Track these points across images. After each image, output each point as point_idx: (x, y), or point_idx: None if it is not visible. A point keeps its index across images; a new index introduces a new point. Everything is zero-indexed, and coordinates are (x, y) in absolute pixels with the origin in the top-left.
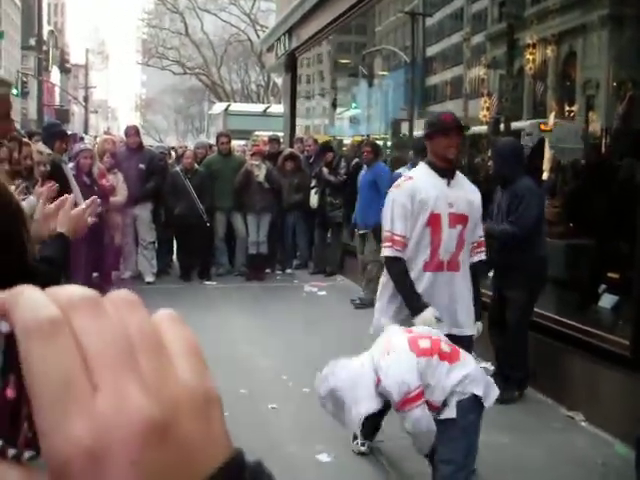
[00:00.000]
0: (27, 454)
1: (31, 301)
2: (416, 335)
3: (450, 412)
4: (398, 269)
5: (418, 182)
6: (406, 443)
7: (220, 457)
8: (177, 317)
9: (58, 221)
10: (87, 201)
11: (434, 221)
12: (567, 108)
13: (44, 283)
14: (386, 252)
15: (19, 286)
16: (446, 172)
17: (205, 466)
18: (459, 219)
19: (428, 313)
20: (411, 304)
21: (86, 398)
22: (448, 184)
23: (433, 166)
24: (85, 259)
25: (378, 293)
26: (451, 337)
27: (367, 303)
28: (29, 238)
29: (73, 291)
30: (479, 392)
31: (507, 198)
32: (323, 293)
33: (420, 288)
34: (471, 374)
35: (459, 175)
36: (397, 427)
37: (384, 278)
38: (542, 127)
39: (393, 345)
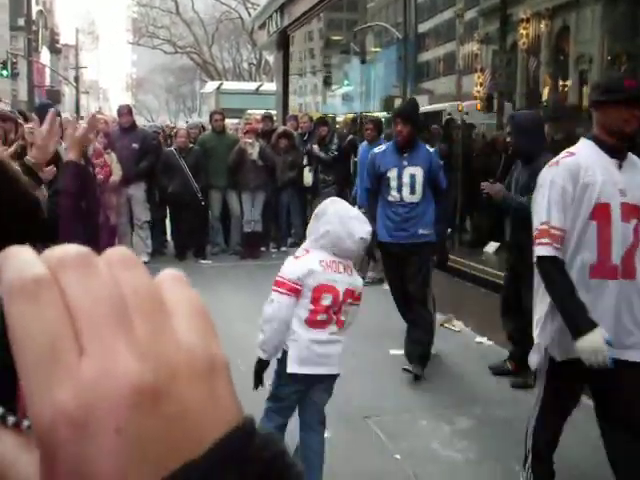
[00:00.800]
0: (26, 422)
1: (18, 261)
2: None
3: None
4: (558, 274)
5: (582, 160)
6: (406, 418)
7: (226, 426)
8: (181, 277)
9: (68, 148)
10: (87, 119)
11: (601, 213)
12: (561, 82)
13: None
14: (541, 251)
15: (10, 247)
16: (618, 151)
17: (208, 435)
18: (634, 211)
19: (597, 336)
20: (575, 322)
21: (72, 362)
22: (619, 167)
23: (601, 143)
24: (80, 239)
25: (535, 307)
26: (620, 364)
27: (376, 281)
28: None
29: (66, 250)
30: None
31: (527, 175)
32: None
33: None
34: None
35: (632, 156)
36: (395, 402)
37: (540, 288)
38: (460, 108)
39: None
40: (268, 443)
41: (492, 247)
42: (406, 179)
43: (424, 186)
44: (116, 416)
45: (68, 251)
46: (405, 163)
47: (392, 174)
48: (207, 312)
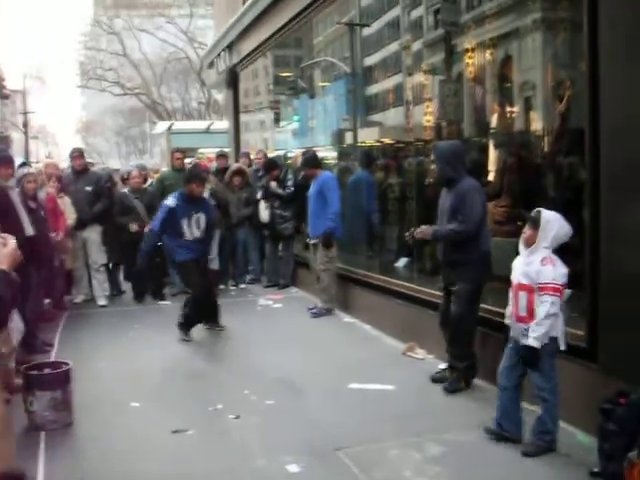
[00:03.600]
0: None
1: None
2: None
3: None
4: None
5: None
6: (376, 448)
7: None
8: None
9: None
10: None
11: None
12: (508, 109)
13: None
14: None
15: None
16: None
17: None
18: None
19: None
20: None
21: None
22: None
23: None
24: (36, 285)
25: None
26: None
27: (324, 312)
28: None
29: None
30: None
31: (451, 198)
32: (279, 305)
33: None
34: None
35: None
36: (363, 432)
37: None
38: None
39: None
40: None
41: (402, 262)
42: None
43: None
44: None
45: None
46: None
47: None
48: None
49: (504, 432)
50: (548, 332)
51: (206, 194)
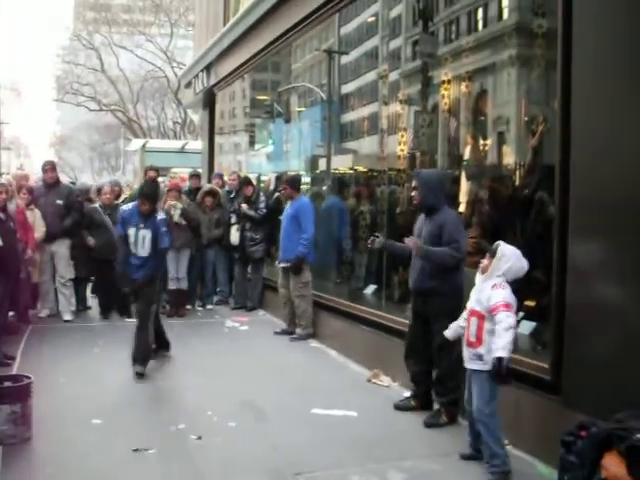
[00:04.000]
0: None
1: None
2: None
3: None
4: None
5: None
6: (338, 473)
7: None
8: None
9: None
10: None
11: None
12: (481, 142)
13: None
14: None
15: None
16: None
17: None
18: None
19: None
20: None
21: None
22: None
23: None
24: (1, 297)
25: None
26: None
27: (304, 337)
28: None
29: None
30: None
31: (432, 225)
32: (245, 328)
33: None
34: None
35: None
36: (325, 457)
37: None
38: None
39: None
40: None
41: (370, 289)
42: None
43: None
44: None
45: None
46: None
47: None
48: None
49: (479, 454)
50: (511, 342)
51: (177, 213)
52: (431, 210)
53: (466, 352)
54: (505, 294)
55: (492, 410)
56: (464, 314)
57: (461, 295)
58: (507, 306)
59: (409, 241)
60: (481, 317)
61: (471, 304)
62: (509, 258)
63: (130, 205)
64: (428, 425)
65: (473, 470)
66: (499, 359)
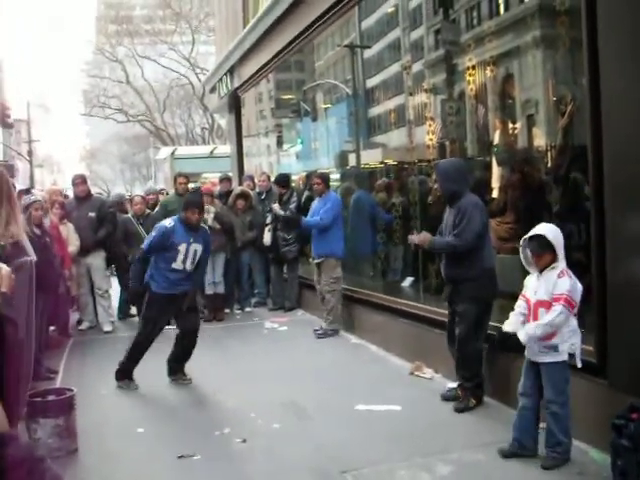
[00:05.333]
0: None
1: None
2: None
3: None
4: None
5: None
6: (384, 469)
7: None
8: None
9: None
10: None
11: None
12: (510, 126)
13: None
14: None
15: None
16: None
17: None
18: None
19: None
20: None
21: None
22: None
23: None
24: (41, 312)
25: None
26: None
27: (330, 333)
28: None
29: None
30: None
31: (454, 214)
32: (284, 328)
33: None
34: None
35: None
36: (370, 453)
37: None
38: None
39: None
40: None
41: (407, 281)
42: None
43: None
44: None
45: None
46: None
47: None
48: None
49: (523, 450)
50: (539, 336)
51: (211, 217)
52: (453, 198)
53: (535, 346)
54: (570, 285)
55: (565, 399)
56: (522, 305)
57: (491, 280)
58: (567, 302)
59: (413, 236)
60: (549, 307)
61: (538, 295)
62: (559, 238)
63: (170, 220)
64: (460, 410)
65: (519, 458)
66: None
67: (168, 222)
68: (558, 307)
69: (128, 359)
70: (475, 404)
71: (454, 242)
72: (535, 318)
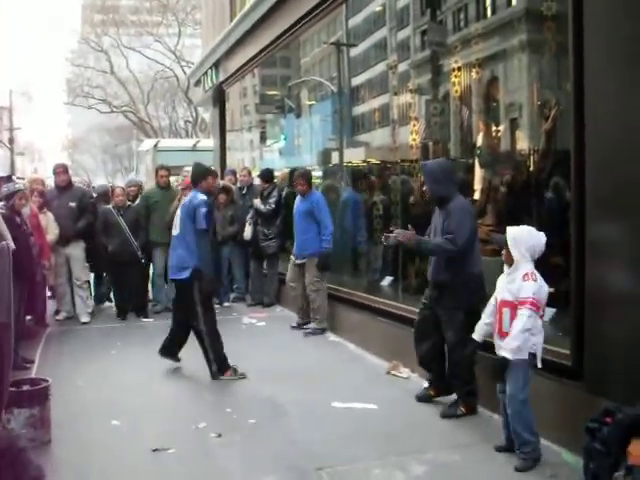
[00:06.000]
0: None
1: None
2: None
3: None
4: None
5: None
6: (360, 467)
7: None
8: None
9: None
10: None
11: None
12: (494, 129)
13: None
14: None
15: None
16: None
17: None
18: None
19: None
20: None
21: None
22: None
23: None
24: (18, 300)
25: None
26: None
27: (319, 332)
28: None
29: None
30: None
31: (442, 217)
32: (262, 324)
33: None
34: None
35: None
36: (345, 451)
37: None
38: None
39: None
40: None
41: (387, 280)
42: None
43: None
44: None
45: None
46: None
47: None
48: None
49: (512, 446)
50: (521, 346)
51: None
52: (442, 201)
53: (498, 342)
54: (535, 288)
55: (525, 397)
56: (489, 308)
57: (477, 286)
58: (534, 305)
59: (398, 234)
60: (513, 307)
61: (502, 294)
62: (521, 239)
63: (196, 194)
64: (445, 416)
65: (494, 460)
66: (504, 359)
67: (200, 196)
68: (525, 311)
69: (214, 352)
70: (465, 412)
71: (447, 246)
72: (500, 317)
